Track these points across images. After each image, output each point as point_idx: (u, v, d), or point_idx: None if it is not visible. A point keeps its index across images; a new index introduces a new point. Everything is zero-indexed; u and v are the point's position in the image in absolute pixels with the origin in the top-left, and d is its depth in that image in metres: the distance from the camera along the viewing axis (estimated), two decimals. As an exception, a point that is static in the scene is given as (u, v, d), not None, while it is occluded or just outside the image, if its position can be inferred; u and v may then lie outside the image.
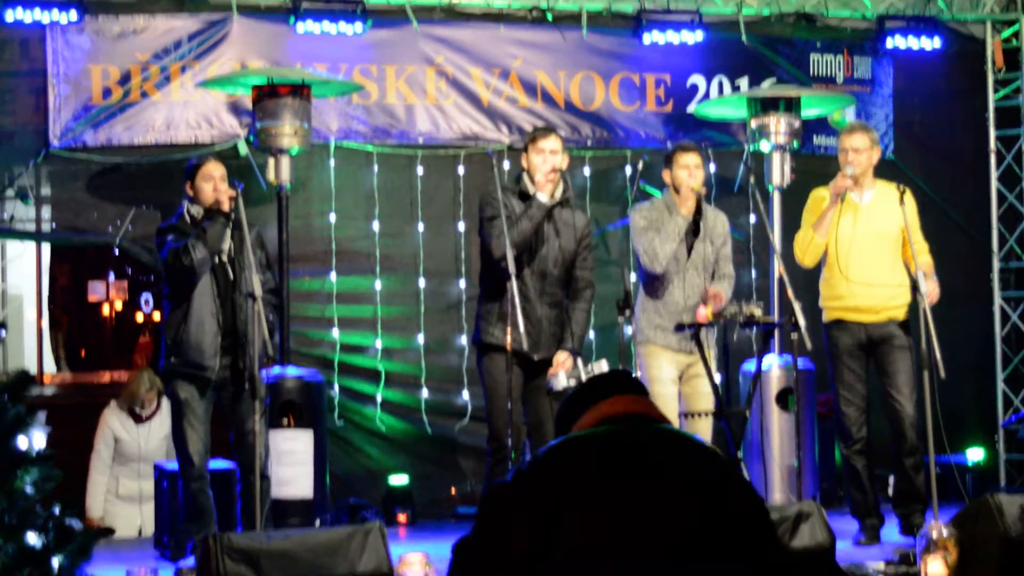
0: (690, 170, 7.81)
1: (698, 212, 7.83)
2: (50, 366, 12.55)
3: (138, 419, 9.17)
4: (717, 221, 8.05)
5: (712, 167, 10.14)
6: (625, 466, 3.22)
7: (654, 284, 7.88)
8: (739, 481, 3.32)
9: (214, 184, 7.35)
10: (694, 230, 7.83)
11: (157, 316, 13.36)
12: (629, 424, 3.32)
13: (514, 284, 7.09)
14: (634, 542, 3.13)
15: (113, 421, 9.22)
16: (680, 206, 7.84)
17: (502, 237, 7.22)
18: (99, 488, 9.19)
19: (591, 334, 9.34)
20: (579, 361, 7.36)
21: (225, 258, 7.36)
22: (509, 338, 7.16)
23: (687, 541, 3.14)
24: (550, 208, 7.46)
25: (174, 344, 7.35)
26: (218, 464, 7.78)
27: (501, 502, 3.20)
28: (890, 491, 8.56)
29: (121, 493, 9.22)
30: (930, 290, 7.80)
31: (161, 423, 9.15)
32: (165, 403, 9.04)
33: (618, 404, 3.37)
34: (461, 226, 9.66)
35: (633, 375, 3.49)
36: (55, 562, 5.01)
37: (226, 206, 7.29)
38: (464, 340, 9.49)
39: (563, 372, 7.33)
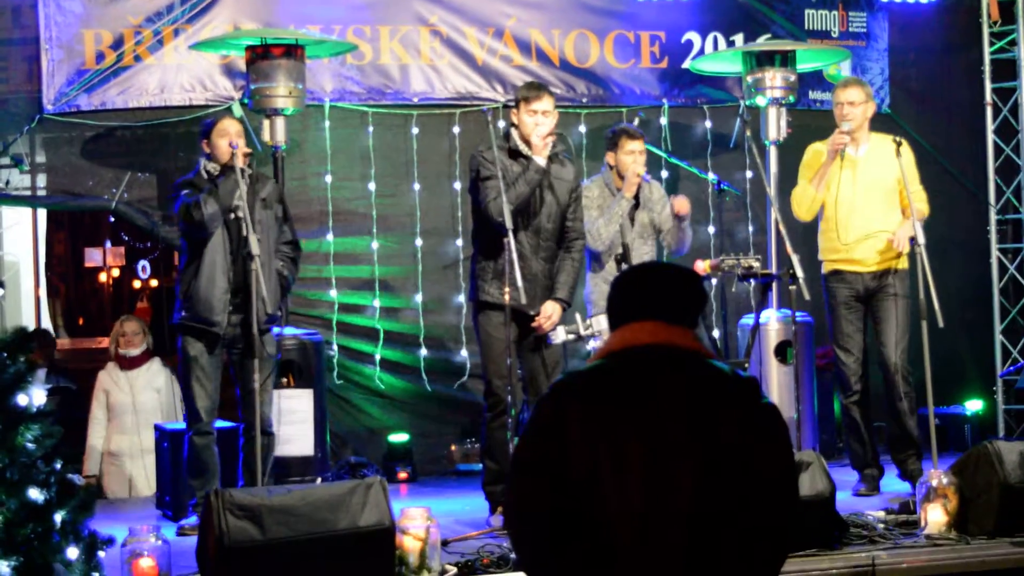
0: (635, 156, 8.09)
1: (638, 189, 8.10)
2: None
3: (124, 365, 9.25)
4: (652, 188, 8.32)
5: (708, 123, 10.15)
6: (628, 399, 3.25)
7: (601, 259, 8.01)
8: (760, 414, 3.32)
9: (229, 139, 7.39)
10: (634, 205, 8.09)
11: (155, 282, 13.39)
12: (645, 356, 3.33)
13: (512, 241, 7.08)
14: (633, 473, 3.17)
15: (103, 377, 9.38)
16: (625, 190, 8.03)
17: (499, 198, 7.20)
18: (95, 449, 9.26)
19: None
20: (578, 317, 7.36)
21: (241, 214, 7.36)
22: (507, 295, 7.15)
23: (685, 474, 3.17)
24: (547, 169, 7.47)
25: (185, 299, 7.42)
26: (220, 423, 7.77)
27: (529, 435, 3.33)
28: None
29: (112, 450, 9.27)
30: (902, 235, 7.84)
31: (150, 374, 9.26)
32: (157, 362, 9.21)
33: (642, 332, 3.37)
34: (457, 185, 9.64)
35: (682, 292, 3.47)
36: (57, 517, 5.00)
37: (240, 162, 7.32)
38: (462, 298, 9.50)
39: (562, 328, 7.33)
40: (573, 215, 7.63)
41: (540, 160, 7.39)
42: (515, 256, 7.04)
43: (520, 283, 6.99)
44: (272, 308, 7.39)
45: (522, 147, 7.45)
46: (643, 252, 8.11)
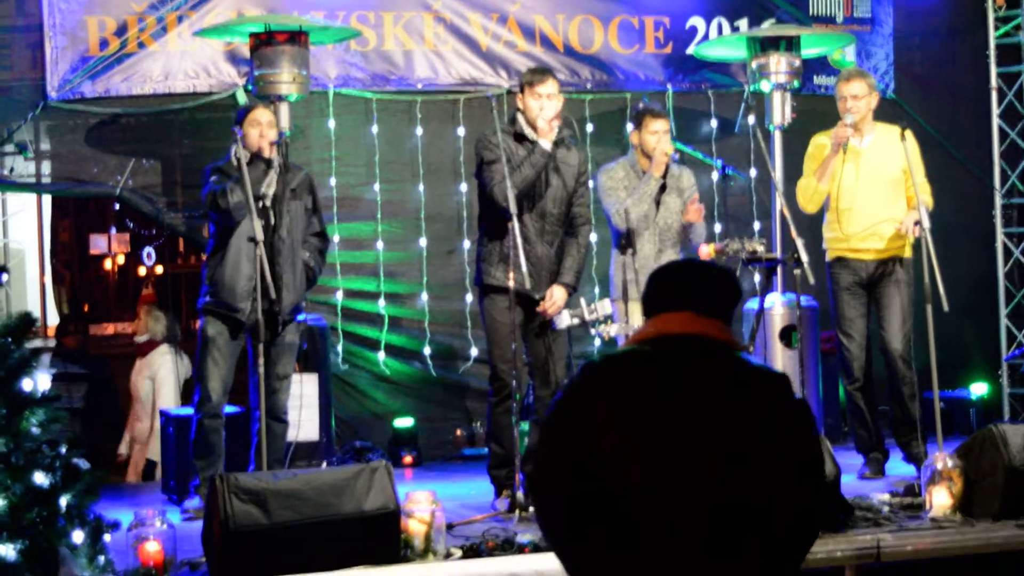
0: (659, 136, 7.92)
1: (665, 171, 7.94)
2: (53, 320, 12.59)
3: (136, 352, 9.47)
4: (683, 175, 8.15)
5: (712, 108, 10.14)
6: (656, 387, 3.26)
7: (630, 240, 7.94)
8: (790, 408, 3.33)
9: (260, 130, 7.43)
10: (661, 187, 7.95)
11: (160, 269, 13.39)
12: (674, 346, 3.35)
13: (516, 225, 7.07)
14: (660, 461, 3.18)
15: None
16: (652, 169, 7.88)
17: (504, 182, 7.20)
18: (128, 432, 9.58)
19: (593, 275, 9.37)
20: (583, 301, 7.36)
21: (269, 203, 7.37)
22: (512, 279, 7.16)
23: (716, 467, 3.18)
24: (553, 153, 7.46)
25: (211, 283, 7.47)
26: (229, 408, 7.76)
27: (556, 423, 3.32)
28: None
29: (133, 435, 9.45)
30: (908, 220, 7.83)
31: (147, 362, 9.40)
32: (160, 351, 9.30)
33: (673, 322, 3.39)
34: (461, 171, 9.63)
35: (713, 284, 3.50)
36: (63, 501, 5.02)
37: (267, 152, 7.37)
38: (467, 283, 9.50)
39: (567, 312, 7.34)
40: (580, 200, 7.63)
41: (545, 143, 7.38)
42: (519, 240, 7.05)
43: (525, 267, 7.01)
44: (298, 298, 7.46)
45: (528, 131, 7.45)
46: (666, 238, 7.95)
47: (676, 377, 3.28)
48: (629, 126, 8.26)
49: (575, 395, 3.32)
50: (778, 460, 3.23)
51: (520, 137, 7.48)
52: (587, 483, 3.21)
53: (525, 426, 7.20)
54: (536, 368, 7.51)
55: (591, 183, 7.93)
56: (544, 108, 7.40)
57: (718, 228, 10.01)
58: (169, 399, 9.53)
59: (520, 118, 7.51)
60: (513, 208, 7.09)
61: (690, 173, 8.29)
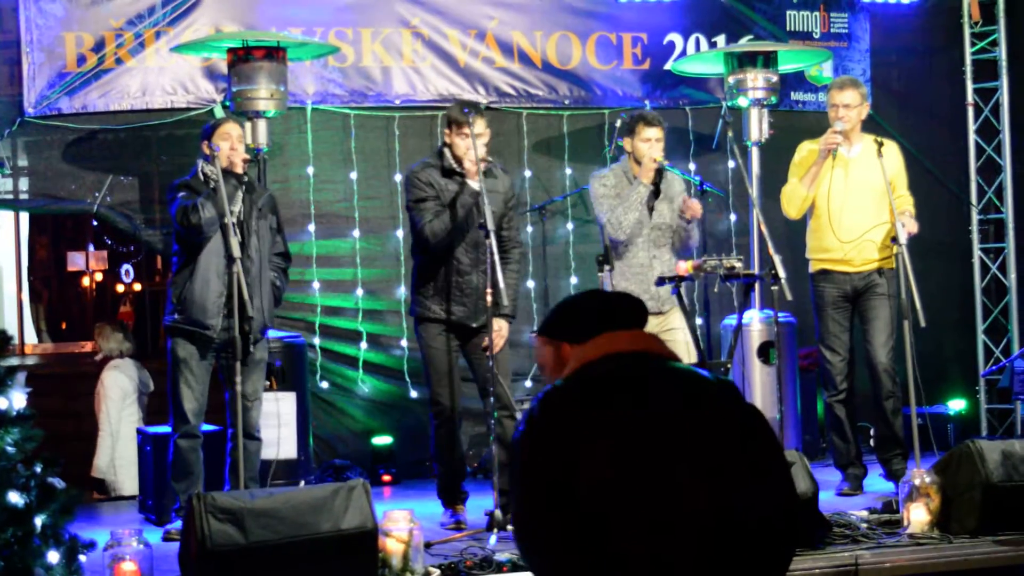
0: (651, 143, 7.93)
1: (658, 177, 7.95)
2: (31, 338, 12.55)
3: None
4: (675, 181, 8.16)
5: (690, 124, 10.16)
6: (629, 404, 3.23)
7: (619, 249, 7.92)
8: (747, 413, 3.33)
9: (231, 143, 7.36)
10: (655, 193, 7.93)
11: (138, 286, 13.33)
12: (630, 363, 3.33)
13: (494, 243, 7.00)
14: (643, 479, 3.15)
15: None
16: (641, 176, 7.89)
17: (435, 221, 7.25)
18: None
19: (571, 289, 9.36)
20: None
21: (234, 219, 7.31)
22: (447, 312, 7.13)
23: (695, 473, 3.16)
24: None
25: (179, 302, 7.37)
26: (205, 427, 7.72)
27: (529, 457, 3.26)
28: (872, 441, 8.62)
29: None
30: (908, 226, 7.83)
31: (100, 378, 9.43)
32: (110, 367, 9.29)
33: (620, 341, 3.37)
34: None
35: (639, 302, 3.49)
36: (38, 521, 4.99)
37: (238, 168, 7.32)
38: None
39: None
40: (508, 224, 7.63)
41: (474, 184, 7.35)
42: (496, 258, 7.03)
43: (502, 284, 6.98)
44: (267, 318, 7.44)
45: (455, 166, 7.44)
46: (660, 244, 7.96)
47: (644, 396, 3.25)
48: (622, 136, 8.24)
49: (541, 428, 3.24)
50: (753, 463, 3.22)
51: (448, 171, 7.45)
52: (574, 514, 3.15)
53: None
54: (483, 388, 7.50)
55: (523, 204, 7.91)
56: (470, 149, 7.35)
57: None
58: (109, 414, 9.45)
59: (447, 152, 7.48)
60: (491, 226, 7.03)
61: (680, 179, 8.29)
